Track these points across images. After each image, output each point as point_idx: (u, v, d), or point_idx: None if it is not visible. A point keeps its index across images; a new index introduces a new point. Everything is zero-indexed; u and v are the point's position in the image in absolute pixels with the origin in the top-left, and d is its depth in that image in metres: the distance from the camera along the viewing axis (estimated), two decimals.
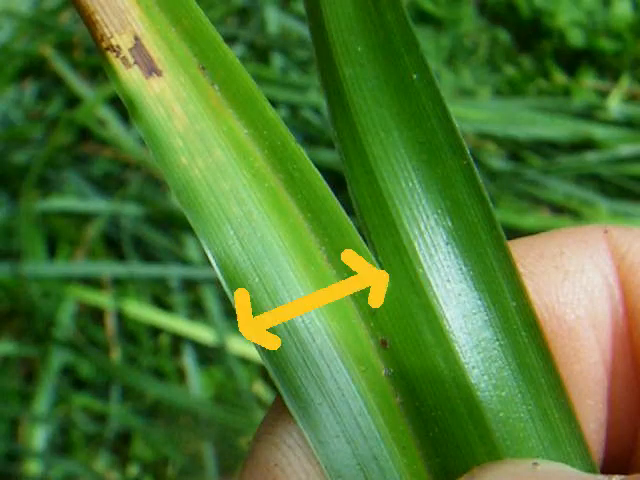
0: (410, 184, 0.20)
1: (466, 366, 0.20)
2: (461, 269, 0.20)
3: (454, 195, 0.20)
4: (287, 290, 0.20)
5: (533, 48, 1.15)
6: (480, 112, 1.03)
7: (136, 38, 0.20)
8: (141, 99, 0.19)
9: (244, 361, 0.89)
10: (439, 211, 0.20)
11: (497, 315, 0.20)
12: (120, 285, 0.92)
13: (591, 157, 1.02)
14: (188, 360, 0.90)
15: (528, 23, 1.15)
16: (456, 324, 0.20)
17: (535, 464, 0.18)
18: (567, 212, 0.99)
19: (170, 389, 0.88)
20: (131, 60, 0.19)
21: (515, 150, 1.04)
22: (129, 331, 0.91)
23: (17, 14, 1.06)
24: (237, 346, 0.88)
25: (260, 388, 0.90)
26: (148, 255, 0.94)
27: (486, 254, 0.20)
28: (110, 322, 0.91)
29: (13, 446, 0.85)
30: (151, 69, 0.20)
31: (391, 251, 0.20)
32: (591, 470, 0.20)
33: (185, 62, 0.20)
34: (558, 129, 1.03)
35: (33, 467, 0.84)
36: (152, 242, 0.93)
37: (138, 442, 0.87)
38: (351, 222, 0.20)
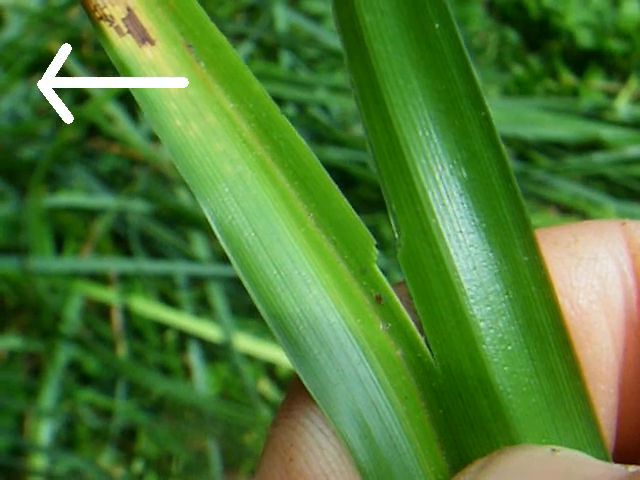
0: (427, 133, 0.20)
1: (473, 318, 0.20)
2: (474, 220, 0.20)
3: (470, 146, 0.20)
4: (283, 245, 0.20)
5: (541, 48, 1.15)
6: None
7: (129, 9, 0.20)
8: (135, 65, 0.20)
9: (250, 358, 0.89)
10: (454, 161, 0.20)
11: (508, 268, 0.20)
12: (127, 281, 0.92)
13: (598, 158, 1.02)
14: (194, 357, 0.90)
15: (537, 23, 1.14)
16: (466, 276, 0.20)
17: (554, 450, 0.18)
18: (574, 213, 0.99)
19: (176, 385, 0.88)
20: (124, 29, 0.20)
21: (522, 150, 1.03)
22: (135, 327, 0.92)
23: (26, 10, 1.06)
24: (243, 343, 0.88)
25: (265, 386, 0.90)
26: (155, 251, 0.94)
27: (500, 207, 0.20)
28: (116, 318, 0.91)
29: (19, 440, 0.86)
30: (144, 38, 0.20)
31: (405, 200, 0.20)
32: (594, 428, 0.20)
33: (173, 39, 0.20)
34: (566, 129, 1.03)
35: (38, 462, 0.84)
36: (159, 239, 0.94)
37: (143, 438, 0.87)
38: (337, 187, 0.20)
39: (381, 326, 0.20)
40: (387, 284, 0.20)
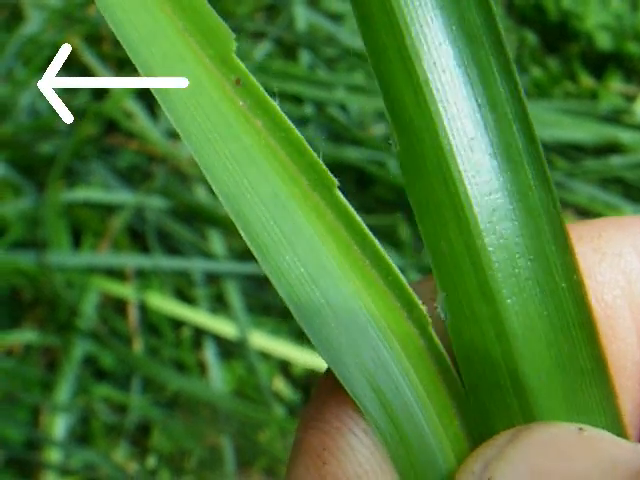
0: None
1: (483, 238, 0.19)
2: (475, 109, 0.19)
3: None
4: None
5: (560, 50, 1.14)
6: None
7: None
8: None
9: (265, 356, 0.89)
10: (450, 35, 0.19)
11: (502, 145, 0.19)
12: (143, 277, 0.93)
13: (616, 161, 1.02)
14: (209, 353, 0.90)
15: (556, 25, 1.14)
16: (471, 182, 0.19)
17: (581, 429, 0.18)
18: (592, 215, 0.99)
19: (191, 382, 0.88)
20: None
21: None
22: (151, 323, 0.92)
23: (46, 6, 1.06)
24: (258, 341, 0.88)
25: (280, 384, 0.90)
26: (172, 248, 0.94)
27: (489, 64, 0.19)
28: (133, 314, 0.91)
29: (33, 434, 0.86)
30: None
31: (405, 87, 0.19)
32: (614, 410, 0.20)
33: None
34: (584, 132, 1.03)
35: (53, 455, 0.84)
36: (176, 235, 0.94)
37: (157, 434, 0.88)
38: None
39: (240, 104, 0.19)
40: (246, 69, 0.19)
